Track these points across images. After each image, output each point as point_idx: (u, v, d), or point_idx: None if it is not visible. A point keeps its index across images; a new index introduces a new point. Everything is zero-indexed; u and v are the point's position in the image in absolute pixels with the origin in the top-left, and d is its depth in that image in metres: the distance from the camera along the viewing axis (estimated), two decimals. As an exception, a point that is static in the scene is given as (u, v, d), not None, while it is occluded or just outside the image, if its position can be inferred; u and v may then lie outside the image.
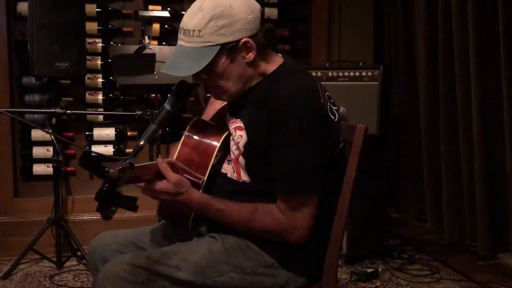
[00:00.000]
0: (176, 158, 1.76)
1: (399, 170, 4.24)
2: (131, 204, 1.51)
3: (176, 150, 1.79)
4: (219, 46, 1.64)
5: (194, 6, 1.68)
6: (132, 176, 1.53)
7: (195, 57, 1.64)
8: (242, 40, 1.65)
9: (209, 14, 1.62)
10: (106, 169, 1.44)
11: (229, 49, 1.65)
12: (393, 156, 4.16)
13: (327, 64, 3.82)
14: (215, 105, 2.00)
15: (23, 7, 3.51)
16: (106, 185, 1.43)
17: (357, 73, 3.47)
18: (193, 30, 1.64)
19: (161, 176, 1.63)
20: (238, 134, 1.72)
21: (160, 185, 1.61)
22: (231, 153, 1.77)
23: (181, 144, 1.80)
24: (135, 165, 1.51)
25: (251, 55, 1.68)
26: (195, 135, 1.82)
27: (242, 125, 1.73)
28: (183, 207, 1.68)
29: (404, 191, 4.23)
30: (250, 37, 1.66)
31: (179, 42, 1.70)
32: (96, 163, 1.46)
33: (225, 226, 1.70)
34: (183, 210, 1.72)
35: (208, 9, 1.63)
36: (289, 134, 1.60)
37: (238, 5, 1.64)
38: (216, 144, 1.78)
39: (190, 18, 1.66)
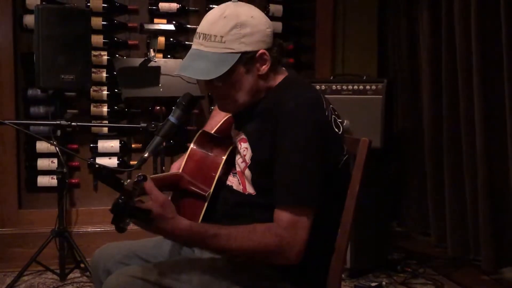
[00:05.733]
0: (182, 171, 1.77)
1: (402, 184, 4.23)
2: (146, 217, 1.48)
3: (182, 163, 1.80)
4: (240, 54, 1.65)
5: (214, 13, 1.68)
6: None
7: (214, 62, 1.65)
8: (260, 52, 1.67)
9: (232, 21, 1.64)
10: (122, 181, 1.44)
11: (247, 59, 1.67)
12: (397, 169, 4.16)
13: (331, 78, 3.84)
14: (217, 118, 2.00)
15: (29, 20, 3.54)
16: (122, 197, 1.43)
17: (361, 87, 3.48)
18: (215, 36, 1.64)
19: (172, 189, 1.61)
20: (244, 146, 1.72)
21: (146, 206, 1.49)
22: (236, 165, 1.77)
23: (187, 157, 1.80)
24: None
25: (265, 68, 1.70)
26: (201, 148, 1.82)
27: (246, 138, 1.73)
28: (173, 237, 1.58)
29: (408, 205, 4.22)
30: (266, 49, 1.68)
31: (196, 46, 1.69)
32: (111, 176, 1.46)
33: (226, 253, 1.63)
34: (171, 239, 1.65)
35: (231, 16, 1.65)
36: (291, 146, 1.59)
37: (258, 17, 1.69)
38: (222, 157, 1.78)
39: (212, 24, 1.66)
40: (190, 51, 1.72)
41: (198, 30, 1.69)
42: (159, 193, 1.52)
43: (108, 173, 1.46)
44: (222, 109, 1.82)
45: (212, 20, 1.67)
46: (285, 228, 1.58)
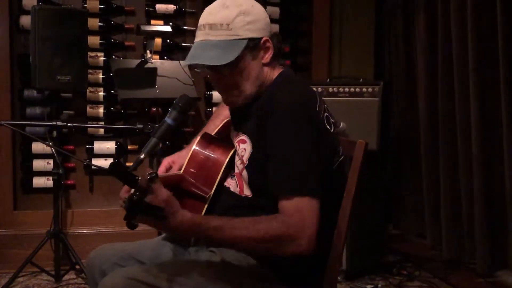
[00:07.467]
0: (183, 171, 1.77)
1: (398, 186, 4.23)
2: (158, 213, 1.46)
3: (184, 163, 1.80)
4: (247, 40, 1.69)
5: (214, 5, 1.73)
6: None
7: (224, 49, 1.67)
8: (264, 38, 1.72)
9: (236, 10, 1.68)
10: (136, 177, 1.44)
11: (253, 46, 1.71)
12: (393, 172, 4.16)
13: (328, 80, 3.83)
14: (216, 121, 2.01)
15: (26, 20, 3.53)
16: (137, 193, 1.42)
17: (357, 89, 3.49)
18: (221, 24, 1.68)
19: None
20: (242, 147, 1.72)
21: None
22: (235, 168, 1.77)
23: (190, 158, 1.80)
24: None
25: (268, 56, 1.74)
26: (203, 149, 1.82)
27: (245, 138, 1.73)
28: (178, 231, 1.57)
29: (404, 207, 4.23)
30: (268, 37, 1.73)
31: (202, 37, 1.70)
32: (126, 172, 1.45)
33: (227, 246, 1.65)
34: (177, 233, 1.67)
35: (233, 6, 1.69)
36: (285, 138, 1.60)
37: (258, 7, 1.75)
38: (224, 159, 1.78)
39: (215, 14, 1.70)
40: (196, 43, 1.73)
41: (201, 23, 1.72)
42: (163, 189, 1.52)
43: (123, 169, 1.45)
44: (228, 102, 1.80)
45: (215, 11, 1.70)
46: (291, 215, 1.55)
